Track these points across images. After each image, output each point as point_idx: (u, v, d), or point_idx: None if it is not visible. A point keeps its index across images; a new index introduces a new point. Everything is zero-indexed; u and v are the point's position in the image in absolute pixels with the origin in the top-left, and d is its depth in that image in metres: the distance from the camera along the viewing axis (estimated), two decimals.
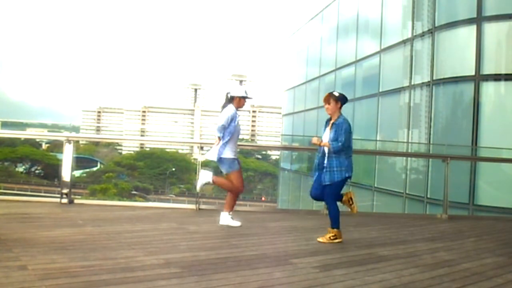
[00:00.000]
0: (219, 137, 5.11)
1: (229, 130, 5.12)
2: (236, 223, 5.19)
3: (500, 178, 11.06)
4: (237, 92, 5.23)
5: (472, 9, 11.57)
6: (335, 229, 4.61)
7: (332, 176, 4.56)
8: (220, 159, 5.12)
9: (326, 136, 4.67)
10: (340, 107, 4.70)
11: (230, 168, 5.16)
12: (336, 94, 4.72)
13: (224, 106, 5.22)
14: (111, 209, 6.16)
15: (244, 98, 5.24)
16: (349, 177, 4.64)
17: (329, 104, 4.69)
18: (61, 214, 5.52)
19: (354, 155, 4.82)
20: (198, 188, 5.41)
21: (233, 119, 5.12)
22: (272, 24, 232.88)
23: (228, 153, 5.11)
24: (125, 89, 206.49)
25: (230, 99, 5.22)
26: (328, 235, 4.60)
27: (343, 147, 4.53)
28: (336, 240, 4.57)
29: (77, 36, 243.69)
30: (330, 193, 4.63)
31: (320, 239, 4.59)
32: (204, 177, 5.26)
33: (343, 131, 4.53)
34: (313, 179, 4.79)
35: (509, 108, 11.47)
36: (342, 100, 4.70)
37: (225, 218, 5.19)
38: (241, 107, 5.23)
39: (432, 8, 13.06)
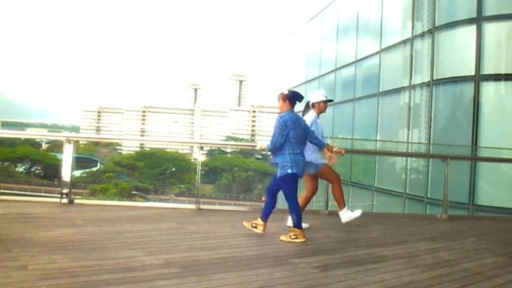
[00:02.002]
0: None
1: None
2: (358, 212, 5.17)
3: (500, 178, 11.06)
4: (317, 98, 5.30)
5: (472, 9, 11.57)
6: (296, 229, 4.57)
7: (280, 171, 4.60)
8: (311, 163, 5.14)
9: None
10: (291, 105, 4.68)
11: (317, 168, 5.19)
12: (285, 92, 4.71)
13: (304, 113, 5.29)
14: (111, 209, 6.15)
15: (324, 102, 5.31)
16: (294, 174, 4.55)
17: (279, 102, 4.74)
18: (61, 214, 5.52)
19: (355, 155, 4.81)
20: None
21: (312, 124, 5.15)
22: (272, 24, 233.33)
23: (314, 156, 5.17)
24: (125, 89, 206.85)
25: (312, 106, 5.30)
26: (289, 234, 4.57)
27: (274, 146, 4.55)
28: (297, 240, 4.50)
29: (77, 36, 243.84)
30: (283, 190, 4.65)
31: (282, 238, 4.55)
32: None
33: (274, 131, 4.55)
34: None
35: (509, 108, 11.47)
36: (290, 98, 4.68)
37: (346, 214, 5.14)
38: (323, 111, 5.32)
39: (432, 8, 13.06)
